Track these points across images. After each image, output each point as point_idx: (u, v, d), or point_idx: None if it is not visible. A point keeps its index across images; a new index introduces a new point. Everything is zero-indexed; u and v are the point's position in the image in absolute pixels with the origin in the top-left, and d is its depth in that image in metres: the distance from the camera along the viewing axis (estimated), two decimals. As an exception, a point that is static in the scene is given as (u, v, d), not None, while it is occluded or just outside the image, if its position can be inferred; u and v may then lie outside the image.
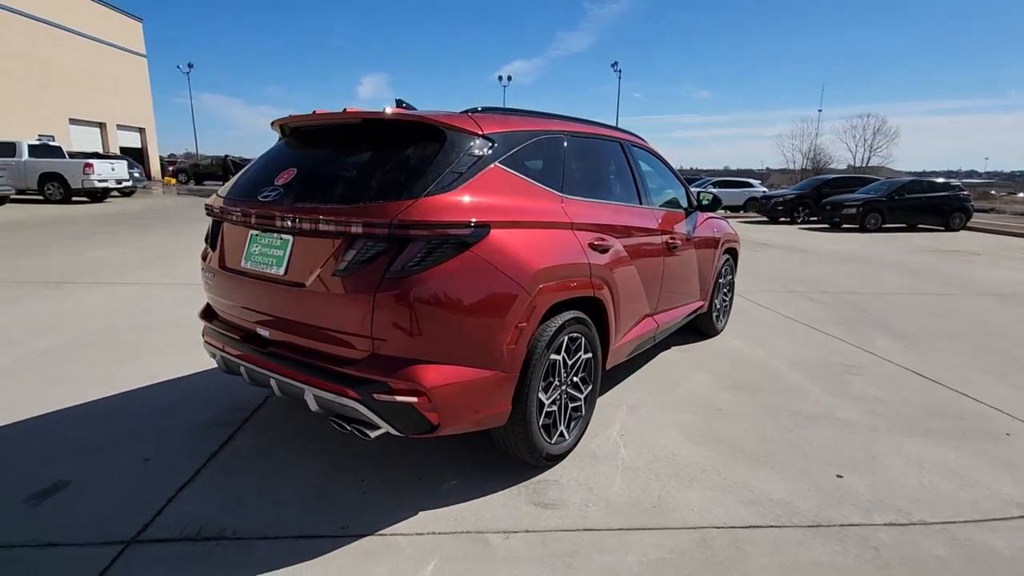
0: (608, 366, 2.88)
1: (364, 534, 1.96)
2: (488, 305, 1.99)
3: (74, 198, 17.28)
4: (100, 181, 17.41)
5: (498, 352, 2.03)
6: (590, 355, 2.60)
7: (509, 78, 44.79)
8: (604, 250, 2.62)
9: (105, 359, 3.62)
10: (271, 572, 1.76)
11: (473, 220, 1.97)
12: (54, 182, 16.89)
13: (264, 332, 2.19)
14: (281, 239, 2.10)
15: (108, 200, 18.33)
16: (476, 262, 1.96)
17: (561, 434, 2.47)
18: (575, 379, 2.55)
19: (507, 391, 2.11)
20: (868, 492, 2.32)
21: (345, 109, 2.23)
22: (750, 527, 2.07)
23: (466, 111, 2.35)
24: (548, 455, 2.38)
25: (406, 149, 2.07)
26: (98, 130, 29.29)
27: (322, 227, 1.94)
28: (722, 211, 22.20)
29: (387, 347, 1.90)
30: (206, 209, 2.46)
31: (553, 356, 2.33)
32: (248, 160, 29.77)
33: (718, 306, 4.53)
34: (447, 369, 1.93)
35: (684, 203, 3.95)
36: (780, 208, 17.89)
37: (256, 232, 2.20)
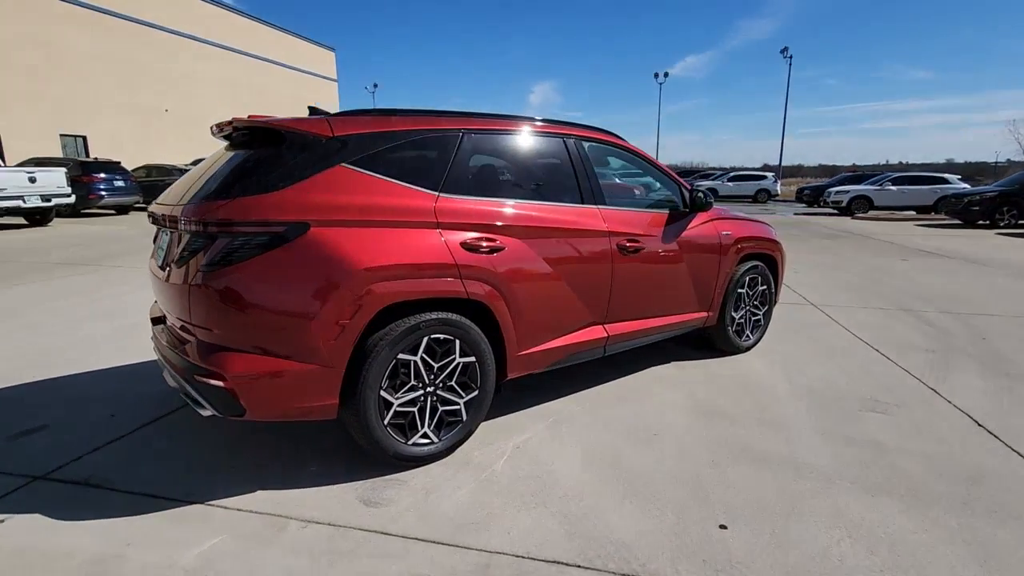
0: (515, 374, 2.74)
1: (196, 502, 2.18)
2: (298, 301, 2.07)
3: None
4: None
5: (312, 347, 2.09)
6: (472, 359, 2.52)
7: (666, 74, 42.93)
8: (492, 251, 2.51)
9: (162, 334, 4.41)
10: (99, 520, 2.06)
11: (287, 219, 2.07)
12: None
13: (161, 315, 2.54)
14: (168, 236, 2.42)
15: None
16: (286, 259, 2.05)
17: (425, 436, 2.43)
18: (450, 383, 2.49)
19: (330, 386, 2.16)
20: (740, 551, 1.91)
21: (233, 118, 2.47)
22: (552, 563, 1.85)
23: (335, 113, 2.44)
24: (400, 455, 2.37)
25: (254, 152, 2.25)
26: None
27: (172, 224, 2.20)
28: (911, 212, 18.79)
29: (207, 335, 2.10)
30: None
31: (406, 356, 2.31)
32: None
33: (737, 319, 3.95)
34: (254, 358, 2.06)
35: (677, 203, 3.54)
36: (975, 208, 14.58)
37: (161, 231, 2.56)
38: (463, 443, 2.60)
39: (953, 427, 2.86)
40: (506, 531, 2.01)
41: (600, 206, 3.05)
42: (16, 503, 2.16)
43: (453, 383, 2.50)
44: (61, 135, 20.82)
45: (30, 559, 1.85)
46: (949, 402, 3.17)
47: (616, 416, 2.98)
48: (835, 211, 20.20)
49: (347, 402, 2.22)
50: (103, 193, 15.73)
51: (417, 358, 2.35)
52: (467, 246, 2.44)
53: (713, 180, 29.42)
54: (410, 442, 2.40)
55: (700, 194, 3.53)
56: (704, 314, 3.71)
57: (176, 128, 25.34)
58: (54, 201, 12.71)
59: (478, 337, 2.51)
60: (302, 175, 2.16)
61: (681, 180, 3.61)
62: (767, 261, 4.12)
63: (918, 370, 3.69)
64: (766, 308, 4.17)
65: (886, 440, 2.71)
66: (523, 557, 1.87)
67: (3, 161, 16.27)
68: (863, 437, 2.74)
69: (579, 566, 1.84)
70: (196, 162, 20.28)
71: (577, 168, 3.02)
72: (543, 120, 3.02)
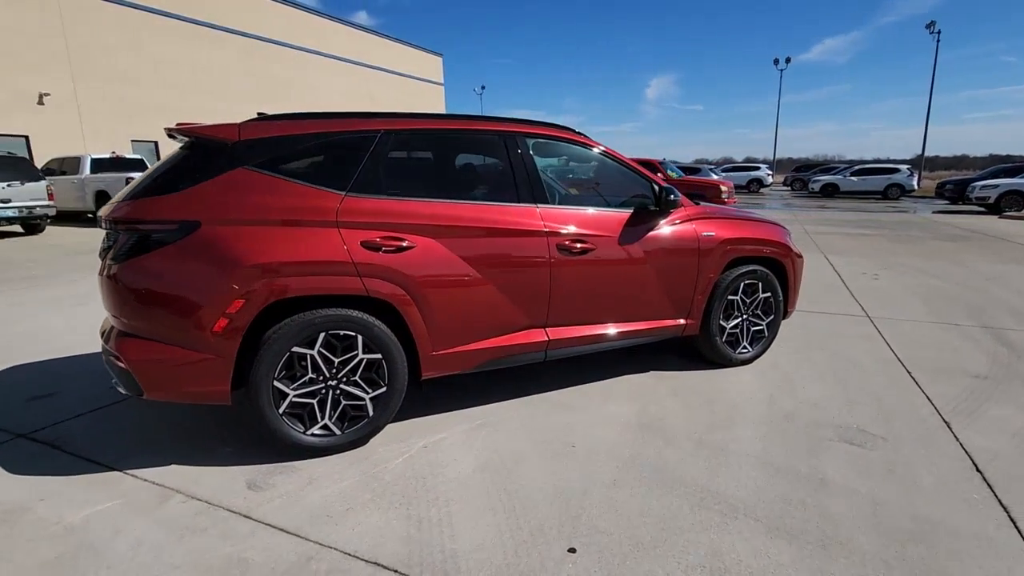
0: (432, 374, 2.73)
1: (117, 469, 2.45)
2: (186, 293, 2.24)
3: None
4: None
5: (200, 336, 2.25)
6: (378, 356, 2.56)
7: (787, 60, 39.52)
8: (398, 250, 2.53)
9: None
10: (36, 476, 2.39)
11: (179, 219, 2.25)
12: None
13: None
14: (117, 233, 2.73)
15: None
16: (176, 255, 2.23)
17: (325, 427, 2.52)
18: (354, 378, 2.54)
19: (220, 373, 2.31)
20: (569, 580, 1.76)
21: (174, 125, 2.71)
22: (373, 563, 1.84)
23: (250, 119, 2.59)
24: (298, 444, 2.46)
25: (177, 156, 2.46)
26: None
27: (102, 223, 2.48)
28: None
29: (118, 322, 2.35)
30: None
31: (302, 349, 2.41)
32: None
33: (728, 329, 3.57)
34: (149, 344, 2.27)
35: (647, 202, 3.27)
36: None
37: None
38: (371, 437, 2.65)
39: (939, 471, 2.38)
40: (352, 528, 2.03)
41: (540, 205, 2.92)
42: (-8, 455, 2.58)
43: (357, 378, 2.55)
44: (205, 144, 23.96)
45: (-33, 502, 2.20)
46: (956, 440, 2.63)
47: (547, 424, 2.86)
48: (981, 209, 17.35)
49: (239, 390, 2.37)
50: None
51: (314, 352, 2.44)
52: (369, 245, 2.48)
53: (834, 174, 26.58)
54: (308, 432, 2.49)
55: (666, 192, 3.22)
56: (681, 322, 3.41)
57: (299, 135, 28.04)
58: (185, 201, 14.66)
59: (383, 334, 2.54)
60: (203, 177, 2.34)
61: (654, 177, 3.33)
62: (772, 266, 3.68)
63: (944, 400, 3.10)
64: (771, 318, 3.73)
65: (837, 478, 2.32)
66: (349, 555, 1.88)
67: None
68: (811, 472, 2.37)
69: (395, 571, 1.81)
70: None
71: (515, 166, 2.92)
72: (477, 118, 2.96)
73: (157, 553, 1.90)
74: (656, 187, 3.27)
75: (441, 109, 40.12)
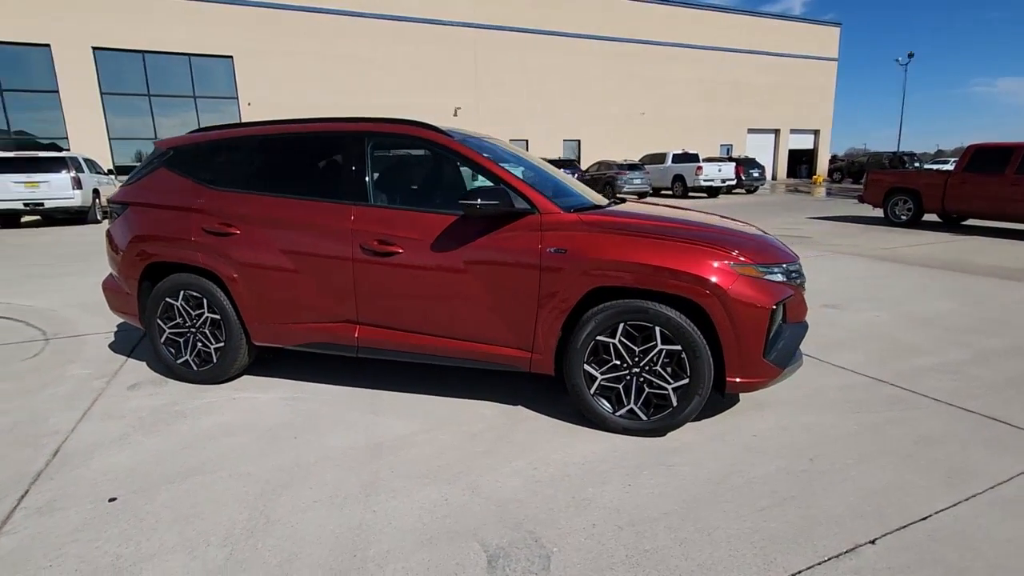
0: (261, 342, 3.21)
1: (130, 357, 3.88)
2: (118, 249, 3.40)
3: (690, 194, 21.68)
4: (706, 181, 21.11)
5: (122, 279, 3.40)
6: (217, 316, 3.22)
7: None
8: (225, 234, 3.09)
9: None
10: (106, 350, 4.04)
11: (122, 201, 3.42)
12: (678, 182, 21.88)
13: None
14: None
15: (720, 196, 21.72)
16: (118, 224, 3.42)
17: (186, 362, 3.34)
18: (204, 331, 3.28)
19: (134, 306, 3.40)
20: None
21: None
22: (55, 452, 2.59)
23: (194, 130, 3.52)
24: (172, 370, 3.37)
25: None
26: (772, 136, 33.37)
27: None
28: None
29: (111, 264, 3.72)
30: None
31: (169, 300, 3.29)
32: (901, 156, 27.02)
33: (600, 379, 2.63)
34: (112, 281, 3.55)
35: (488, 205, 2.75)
36: None
37: None
38: (222, 379, 3.33)
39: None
40: (96, 429, 2.80)
41: (359, 203, 2.94)
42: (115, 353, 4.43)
43: (206, 331, 3.28)
44: (564, 140, 27.68)
45: (57, 358, 3.98)
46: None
47: (325, 415, 2.93)
48: None
49: (143, 322, 3.43)
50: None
51: (178, 304, 3.28)
52: (207, 229, 3.13)
53: None
54: (178, 362, 3.37)
55: (491, 194, 2.62)
56: (524, 354, 2.75)
57: (650, 127, 29.06)
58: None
59: (219, 299, 3.18)
60: (144, 173, 3.45)
61: (505, 177, 2.75)
62: (686, 308, 2.49)
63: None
64: (682, 383, 2.53)
65: (370, 576, 1.75)
66: (66, 440, 2.68)
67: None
68: (374, 557, 1.84)
69: (48, 462, 2.51)
70: (646, 157, 23.08)
71: (342, 165, 3.02)
72: (321, 120, 3.17)
73: (38, 403, 3.12)
74: (501, 188, 2.73)
75: (828, 87, 34.39)
